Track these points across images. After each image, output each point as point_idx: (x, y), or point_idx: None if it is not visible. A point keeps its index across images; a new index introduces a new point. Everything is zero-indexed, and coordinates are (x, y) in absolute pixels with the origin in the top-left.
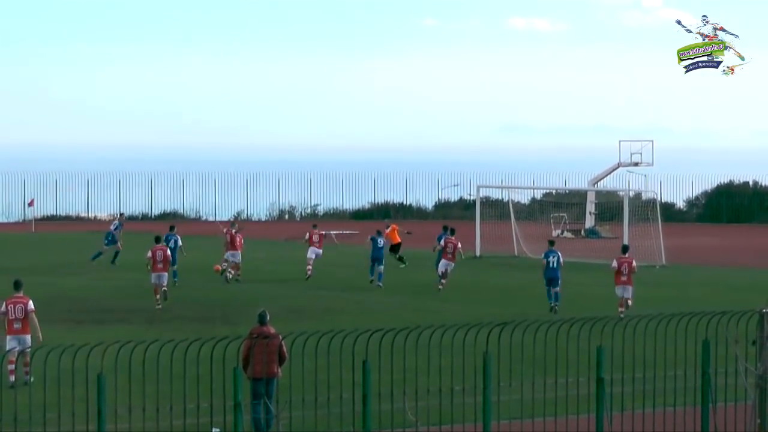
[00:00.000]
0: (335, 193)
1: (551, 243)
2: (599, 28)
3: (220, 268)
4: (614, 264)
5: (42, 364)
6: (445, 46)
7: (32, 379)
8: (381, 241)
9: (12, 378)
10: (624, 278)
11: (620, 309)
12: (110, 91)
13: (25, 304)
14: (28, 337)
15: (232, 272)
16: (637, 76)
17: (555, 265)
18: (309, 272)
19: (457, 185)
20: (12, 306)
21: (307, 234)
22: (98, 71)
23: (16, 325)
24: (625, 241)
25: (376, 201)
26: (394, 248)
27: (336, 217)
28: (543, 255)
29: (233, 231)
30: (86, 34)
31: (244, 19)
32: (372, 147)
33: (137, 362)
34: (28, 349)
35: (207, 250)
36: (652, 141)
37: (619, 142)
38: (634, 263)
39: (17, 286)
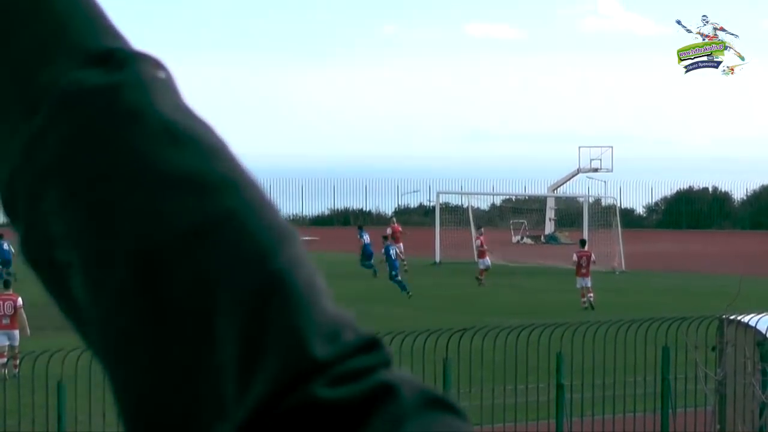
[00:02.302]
0: (295, 200)
1: (385, 238)
2: (558, 34)
3: None
4: (575, 258)
5: (2, 371)
6: (404, 53)
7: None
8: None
9: (4, 371)
10: (584, 270)
11: (582, 299)
12: None
13: (15, 301)
14: (17, 332)
15: None
16: (597, 83)
17: None
18: None
19: (417, 191)
20: (2, 303)
21: None
22: None
23: (5, 321)
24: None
25: (336, 207)
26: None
27: (295, 223)
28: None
29: None
30: None
31: (209, 26)
32: (331, 154)
33: (97, 369)
34: (17, 344)
35: None
36: (612, 147)
37: (579, 148)
38: (593, 256)
39: (6, 284)
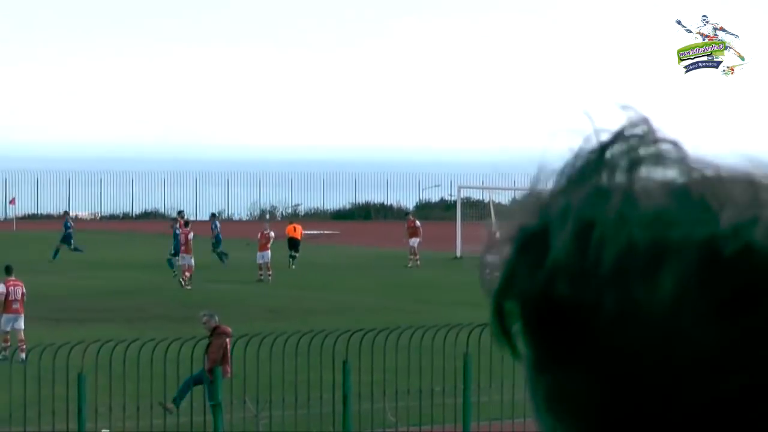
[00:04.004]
0: (316, 193)
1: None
2: (571, 27)
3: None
4: None
5: (22, 363)
6: (423, 44)
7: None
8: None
9: (6, 353)
10: None
11: None
12: (92, 90)
13: (22, 287)
14: (23, 317)
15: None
16: (616, 75)
17: None
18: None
19: (438, 186)
20: (12, 287)
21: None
22: (79, 69)
23: (15, 306)
24: None
25: (357, 201)
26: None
27: (317, 217)
28: None
29: (188, 230)
30: (66, 32)
31: (224, 19)
32: (353, 146)
33: (117, 361)
34: (23, 328)
35: None
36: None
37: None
38: None
39: (9, 270)
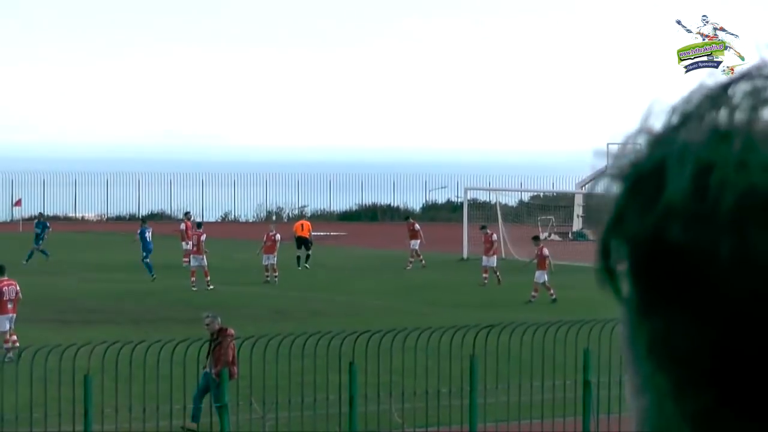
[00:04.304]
0: (323, 195)
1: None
2: (589, 30)
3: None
4: (547, 252)
5: (29, 364)
6: (430, 45)
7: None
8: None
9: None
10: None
11: (537, 293)
12: (98, 91)
13: (16, 286)
14: (15, 316)
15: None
16: (626, 78)
17: None
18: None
19: (445, 187)
20: (7, 288)
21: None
22: (85, 70)
23: (10, 305)
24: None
25: (364, 202)
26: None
27: (323, 218)
28: None
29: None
30: (72, 32)
31: (231, 19)
32: (360, 148)
33: (124, 363)
34: (13, 327)
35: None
36: (640, 144)
37: (607, 145)
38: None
39: (2, 270)
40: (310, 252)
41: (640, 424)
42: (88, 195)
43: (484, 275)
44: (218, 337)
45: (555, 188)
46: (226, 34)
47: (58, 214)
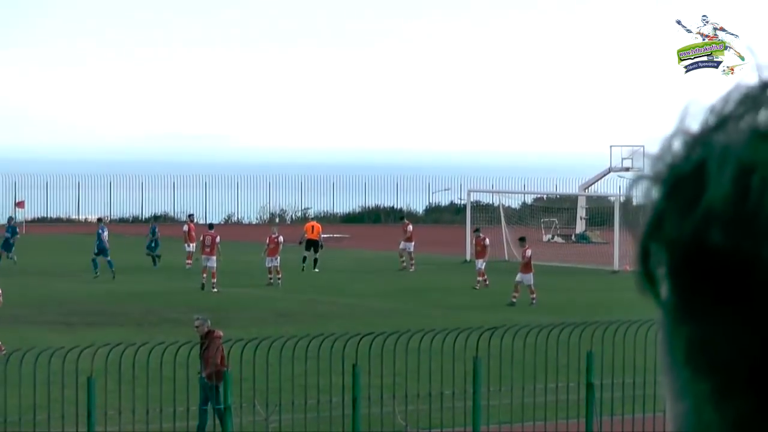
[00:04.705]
0: (326, 197)
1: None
2: (594, 32)
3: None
4: (529, 253)
5: (32, 366)
6: (434, 47)
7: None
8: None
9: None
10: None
11: (516, 295)
12: (102, 93)
13: None
14: None
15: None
16: (628, 81)
17: None
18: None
19: (448, 189)
20: None
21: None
22: (89, 72)
23: None
24: (616, 247)
25: (367, 204)
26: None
27: (326, 220)
28: None
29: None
30: (76, 34)
31: (234, 21)
32: (363, 150)
33: (127, 365)
34: None
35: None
36: (643, 146)
37: (610, 147)
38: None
39: None
40: (317, 256)
41: (678, 430)
42: (92, 197)
43: (479, 278)
44: (206, 340)
45: (558, 190)
46: (230, 35)
47: (61, 216)
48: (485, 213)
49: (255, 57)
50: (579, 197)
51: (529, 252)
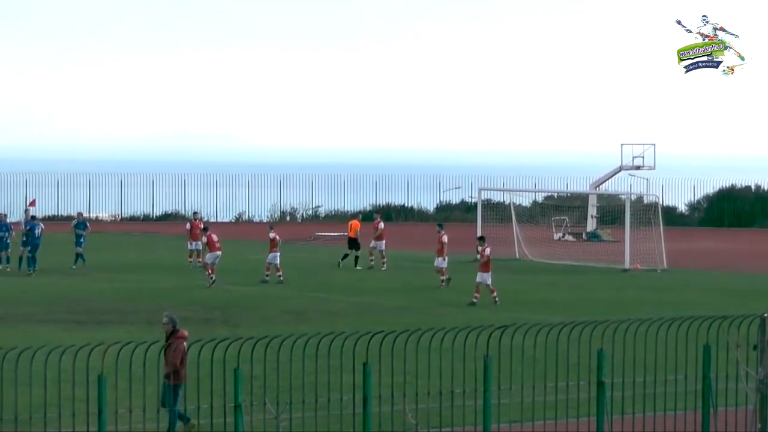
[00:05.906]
0: (337, 195)
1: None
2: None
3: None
4: (488, 252)
5: (42, 365)
6: (444, 46)
7: None
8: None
9: None
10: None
11: (477, 295)
12: (112, 91)
13: None
14: None
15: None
16: (637, 79)
17: None
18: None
19: (459, 188)
20: None
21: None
22: (99, 71)
23: None
24: (627, 246)
25: (378, 203)
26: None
27: (337, 218)
28: None
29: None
30: (86, 33)
31: (245, 19)
32: (374, 149)
33: (138, 363)
34: None
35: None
36: (654, 145)
37: (621, 145)
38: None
39: None
40: (358, 253)
41: None
42: (103, 195)
43: (442, 277)
44: (170, 339)
45: (569, 189)
46: (240, 34)
47: (72, 214)
48: (496, 211)
49: (265, 57)
50: (590, 195)
51: (488, 251)
